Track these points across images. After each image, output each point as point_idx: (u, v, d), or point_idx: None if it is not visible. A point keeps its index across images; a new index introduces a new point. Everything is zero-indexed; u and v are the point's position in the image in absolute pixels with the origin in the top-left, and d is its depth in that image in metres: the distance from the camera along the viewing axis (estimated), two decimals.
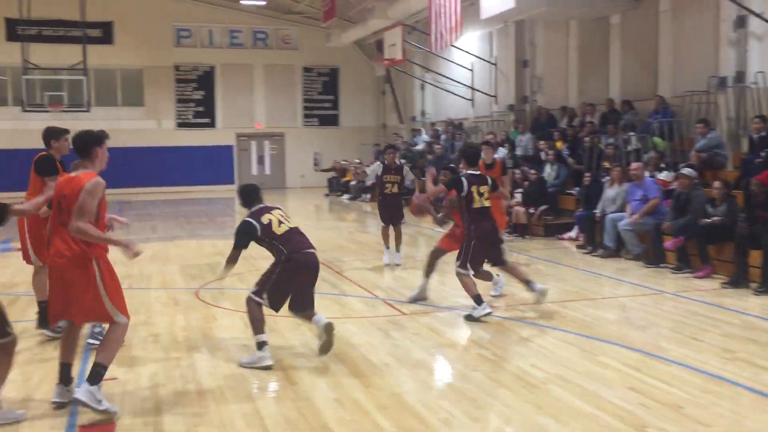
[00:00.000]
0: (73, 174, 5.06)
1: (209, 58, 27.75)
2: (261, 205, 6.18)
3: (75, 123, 25.31)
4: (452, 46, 18.46)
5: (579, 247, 12.25)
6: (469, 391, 5.42)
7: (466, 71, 21.01)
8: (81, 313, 5.00)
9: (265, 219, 6.02)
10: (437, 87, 22.78)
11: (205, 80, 27.84)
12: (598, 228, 11.71)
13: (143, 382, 5.72)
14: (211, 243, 13.85)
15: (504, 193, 9.23)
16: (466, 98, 21.17)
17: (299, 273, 6.08)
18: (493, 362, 6.17)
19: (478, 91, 20.34)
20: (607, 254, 11.34)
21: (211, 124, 28.03)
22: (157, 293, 9.21)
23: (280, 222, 6.06)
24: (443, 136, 20.98)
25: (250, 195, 6.24)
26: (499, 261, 7.98)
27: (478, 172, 7.81)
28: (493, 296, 8.46)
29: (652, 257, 10.53)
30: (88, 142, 5.06)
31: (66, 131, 7.03)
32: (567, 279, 9.86)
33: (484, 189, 7.66)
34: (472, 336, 7.19)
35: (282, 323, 7.37)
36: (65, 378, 5.16)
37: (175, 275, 10.47)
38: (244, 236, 6.02)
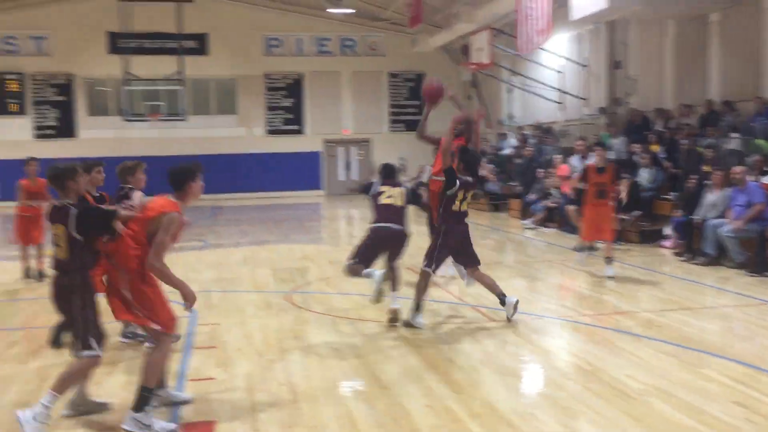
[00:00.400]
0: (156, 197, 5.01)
1: (298, 66, 28.33)
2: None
3: (173, 131, 26.60)
4: (540, 48, 18.16)
5: (677, 254, 11.79)
6: (562, 401, 5.29)
7: (554, 73, 20.62)
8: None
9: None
10: (525, 90, 22.45)
11: (294, 88, 28.43)
12: (697, 234, 11.23)
13: (238, 383, 5.86)
14: (300, 248, 14.08)
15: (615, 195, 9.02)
16: (555, 101, 20.77)
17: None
18: (586, 371, 6.00)
19: (567, 94, 19.92)
20: (707, 262, 10.85)
21: (300, 131, 28.60)
22: (250, 296, 9.45)
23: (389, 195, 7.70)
24: (531, 140, 20.66)
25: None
26: (471, 262, 7.81)
27: (472, 180, 7.69)
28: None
29: (757, 265, 10.02)
30: (183, 179, 4.98)
31: (100, 164, 7.01)
32: (664, 287, 9.50)
33: (469, 195, 7.64)
34: (563, 344, 7.02)
35: (370, 328, 7.43)
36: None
37: (266, 278, 10.71)
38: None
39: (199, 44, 27.20)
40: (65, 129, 26.65)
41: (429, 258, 7.56)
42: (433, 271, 7.59)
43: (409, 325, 7.39)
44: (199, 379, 5.89)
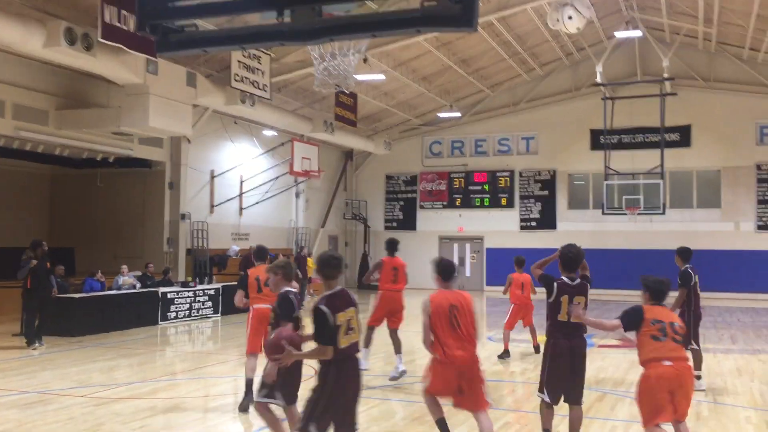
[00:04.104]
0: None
1: None
2: None
3: (651, 225, 26.05)
4: None
5: None
6: None
7: None
8: None
9: None
10: None
11: None
12: None
13: None
14: None
15: None
16: None
17: None
18: None
19: None
20: None
21: None
22: (747, 412, 8.29)
23: None
24: None
25: None
26: None
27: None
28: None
29: None
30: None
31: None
32: None
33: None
34: None
35: None
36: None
37: (764, 394, 9.32)
38: None
39: (681, 136, 26.41)
40: (546, 221, 28.28)
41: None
42: None
43: None
44: None
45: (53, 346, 12.31)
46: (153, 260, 18.46)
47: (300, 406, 5.34)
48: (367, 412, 7.94)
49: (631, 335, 5.85)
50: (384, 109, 27.02)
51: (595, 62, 24.26)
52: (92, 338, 13.80)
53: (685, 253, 9.57)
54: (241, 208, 23.68)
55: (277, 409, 5.97)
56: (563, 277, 6.29)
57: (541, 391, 6.27)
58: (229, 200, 22.95)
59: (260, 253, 8.52)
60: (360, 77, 19.01)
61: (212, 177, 22.35)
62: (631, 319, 5.65)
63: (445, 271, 6.16)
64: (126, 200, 21.32)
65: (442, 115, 28.12)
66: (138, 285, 16.69)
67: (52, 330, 12.43)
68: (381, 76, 22.19)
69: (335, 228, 30.30)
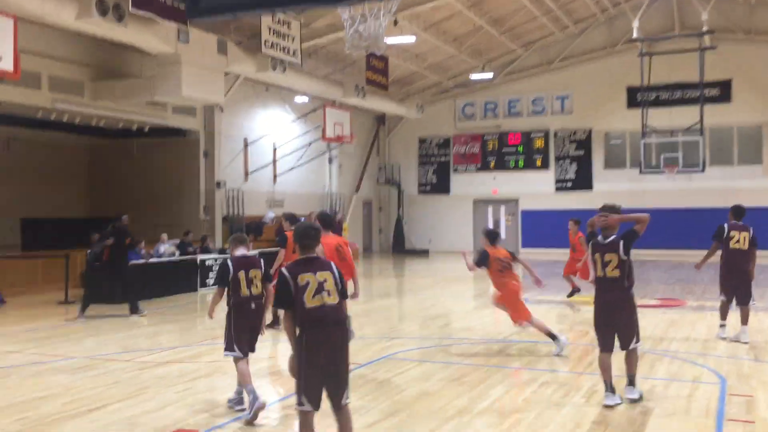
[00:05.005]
0: None
1: None
2: None
3: (689, 183, 25.58)
4: None
5: None
6: None
7: None
8: None
9: None
10: None
11: None
12: None
13: None
14: None
15: None
16: None
17: None
18: None
19: None
20: None
21: None
22: None
23: None
24: None
25: None
26: None
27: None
28: None
29: None
30: None
31: None
32: None
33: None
34: None
35: None
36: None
37: None
38: None
39: (721, 91, 25.75)
40: (582, 181, 27.95)
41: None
42: None
43: None
44: None
45: (97, 312, 12.62)
46: (190, 228, 18.72)
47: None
48: (406, 373, 8.02)
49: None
50: (415, 72, 26.76)
51: (631, 17, 23.66)
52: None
53: (735, 210, 9.84)
54: (275, 175, 23.82)
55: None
56: (599, 237, 6.70)
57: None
58: (263, 167, 23.09)
59: (325, 220, 8.54)
60: (390, 40, 18.79)
61: (246, 144, 22.46)
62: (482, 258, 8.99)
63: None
64: (162, 169, 21.58)
65: (474, 76, 27.77)
66: (177, 253, 16.95)
67: (96, 298, 12.73)
68: (411, 39, 21.93)
69: (369, 193, 30.34)
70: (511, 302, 9.08)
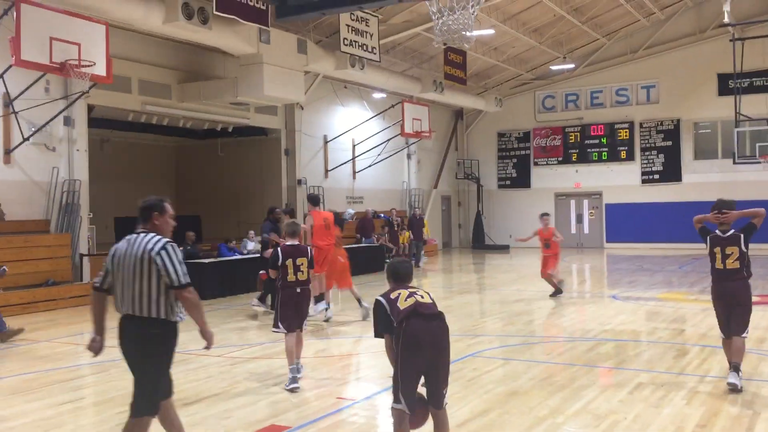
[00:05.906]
0: None
1: None
2: None
3: None
4: None
5: None
6: None
7: None
8: None
9: None
10: None
11: None
12: None
13: None
14: None
15: None
16: None
17: None
18: None
19: None
20: None
21: None
22: None
23: None
24: None
25: None
26: None
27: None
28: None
29: None
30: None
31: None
32: None
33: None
34: None
35: None
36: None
37: None
38: None
39: None
40: (670, 173, 26.96)
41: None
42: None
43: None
44: None
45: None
46: None
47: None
48: (493, 371, 7.90)
49: None
50: (494, 65, 26.40)
51: (721, 1, 22.59)
52: (222, 300, 14.47)
53: None
54: (354, 172, 23.96)
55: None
56: (717, 231, 6.95)
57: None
58: (342, 164, 23.26)
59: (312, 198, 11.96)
60: (468, 33, 18.57)
61: (325, 142, 22.68)
62: None
63: None
64: (245, 168, 22.03)
65: (554, 67, 27.17)
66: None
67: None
68: (490, 31, 21.61)
69: (448, 188, 30.16)
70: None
